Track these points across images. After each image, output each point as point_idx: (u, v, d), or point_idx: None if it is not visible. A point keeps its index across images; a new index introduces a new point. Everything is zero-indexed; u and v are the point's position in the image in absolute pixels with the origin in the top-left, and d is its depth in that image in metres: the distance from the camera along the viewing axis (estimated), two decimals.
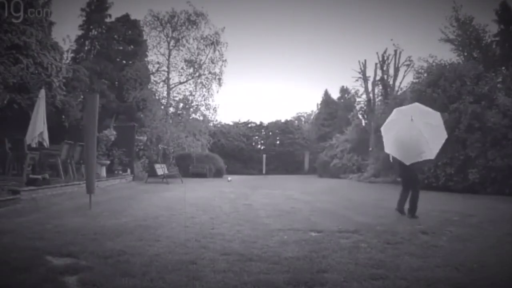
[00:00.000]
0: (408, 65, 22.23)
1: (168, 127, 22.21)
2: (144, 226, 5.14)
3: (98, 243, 4.04)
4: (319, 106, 38.61)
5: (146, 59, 23.48)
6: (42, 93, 10.09)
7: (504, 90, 13.36)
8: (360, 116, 27.59)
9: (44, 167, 10.11)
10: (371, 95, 24.10)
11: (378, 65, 23.34)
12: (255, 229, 5.16)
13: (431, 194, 11.36)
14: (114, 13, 21.33)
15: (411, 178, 6.93)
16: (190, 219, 5.92)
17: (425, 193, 11.99)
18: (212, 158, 22.78)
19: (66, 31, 29.61)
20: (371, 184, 17.57)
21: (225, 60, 25.46)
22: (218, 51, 25.19)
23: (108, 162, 14.05)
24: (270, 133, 35.52)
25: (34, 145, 9.58)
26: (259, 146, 35.45)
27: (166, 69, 25.20)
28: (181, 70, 25.33)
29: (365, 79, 24.50)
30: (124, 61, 21.53)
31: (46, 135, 9.81)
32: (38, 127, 9.56)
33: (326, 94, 38.42)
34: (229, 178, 18.93)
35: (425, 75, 14.62)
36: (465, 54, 17.27)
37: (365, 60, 24.44)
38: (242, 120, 35.98)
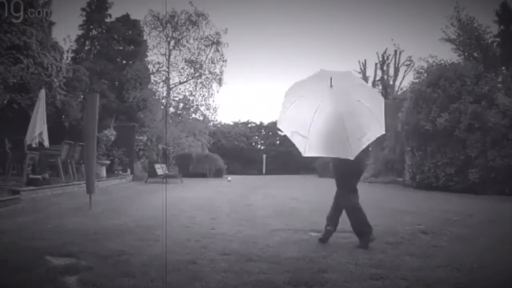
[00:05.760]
0: (408, 65, 22.24)
1: (168, 127, 22.23)
2: (144, 226, 5.14)
3: (98, 243, 4.04)
4: None
5: (146, 59, 23.49)
6: (42, 93, 10.08)
7: (504, 90, 13.35)
8: None
9: (44, 167, 10.11)
10: None
11: (378, 65, 23.33)
12: (255, 229, 5.16)
13: (431, 194, 11.38)
14: (114, 13, 21.34)
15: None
16: (190, 219, 5.92)
17: (425, 193, 12.04)
18: (212, 158, 22.78)
19: (66, 31, 29.55)
20: (371, 184, 17.56)
21: (226, 60, 25.50)
22: (219, 51, 25.23)
23: (108, 162, 14.06)
24: (270, 133, 35.49)
25: (34, 145, 9.57)
26: (259, 146, 35.43)
27: (166, 69, 25.21)
28: (181, 70, 25.37)
29: (365, 79, 24.44)
30: (124, 61, 21.54)
31: (46, 135, 9.81)
32: (38, 127, 9.56)
33: None
34: (229, 178, 18.93)
35: (425, 75, 14.61)
36: (466, 54, 17.24)
37: (365, 60, 24.40)
38: (242, 120, 35.99)
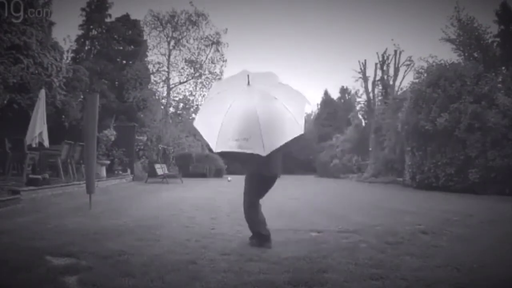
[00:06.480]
0: (408, 65, 22.27)
1: (168, 127, 22.25)
2: (144, 226, 5.14)
3: (98, 243, 4.04)
4: (319, 106, 38.66)
5: (146, 59, 23.52)
6: (42, 93, 10.08)
7: (504, 90, 13.36)
8: (360, 116, 27.59)
9: (44, 167, 10.11)
10: (371, 95, 24.12)
11: (378, 65, 23.35)
12: None
13: (431, 194, 11.38)
14: (114, 13, 21.41)
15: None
16: (190, 219, 5.92)
17: (425, 193, 12.04)
18: (212, 158, 22.78)
19: (66, 31, 29.65)
20: (371, 184, 17.57)
21: (226, 60, 25.54)
22: (219, 51, 25.26)
23: (108, 162, 14.07)
24: None
25: (34, 145, 9.57)
26: None
27: (166, 69, 25.24)
28: (181, 70, 25.40)
29: (365, 79, 24.50)
30: (124, 61, 21.56)
31: (46, 135, 9.81)
32: (38, 127, 9.56)
33: (326, 94, 38.46)
34: (229, 178, 18.93)
35: (425, 75, 14.63)
36: (466, 54, 17.27)
37: (365, 60, 24.45)
38: None
